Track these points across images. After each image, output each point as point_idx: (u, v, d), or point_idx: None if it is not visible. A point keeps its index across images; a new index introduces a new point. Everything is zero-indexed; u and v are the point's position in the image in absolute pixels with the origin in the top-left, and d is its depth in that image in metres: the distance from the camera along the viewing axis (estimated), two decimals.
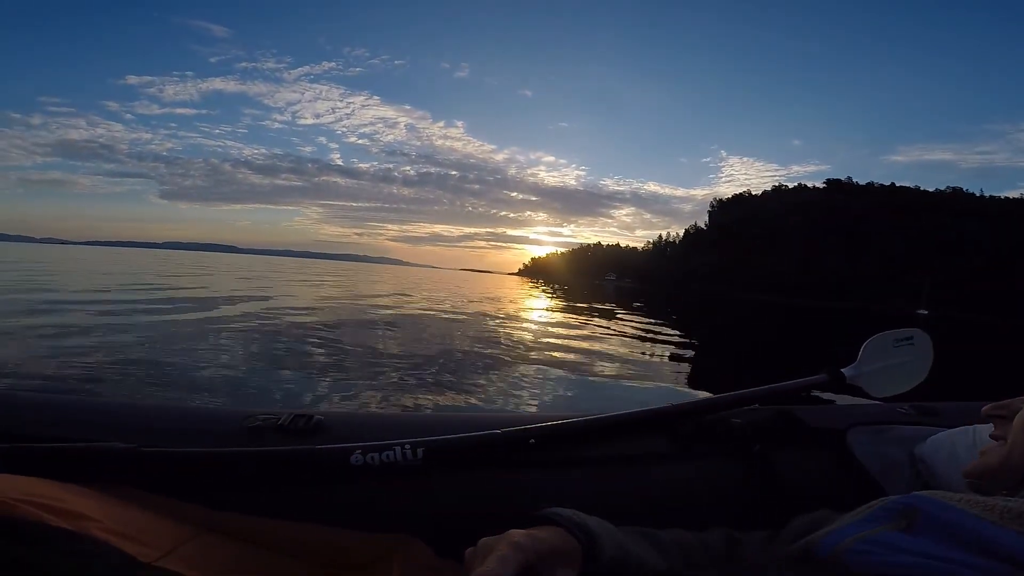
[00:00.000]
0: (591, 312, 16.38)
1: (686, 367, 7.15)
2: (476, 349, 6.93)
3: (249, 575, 0.60)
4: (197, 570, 0.53)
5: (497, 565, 0.41)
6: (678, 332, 11.98)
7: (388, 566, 0.66)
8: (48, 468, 0.63)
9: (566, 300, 23.99)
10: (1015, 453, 0.53)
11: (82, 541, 0.47)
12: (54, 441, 0.70)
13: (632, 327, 12.07)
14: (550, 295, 29.54)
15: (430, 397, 4.25)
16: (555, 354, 7.00)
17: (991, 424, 0.63)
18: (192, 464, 0.71)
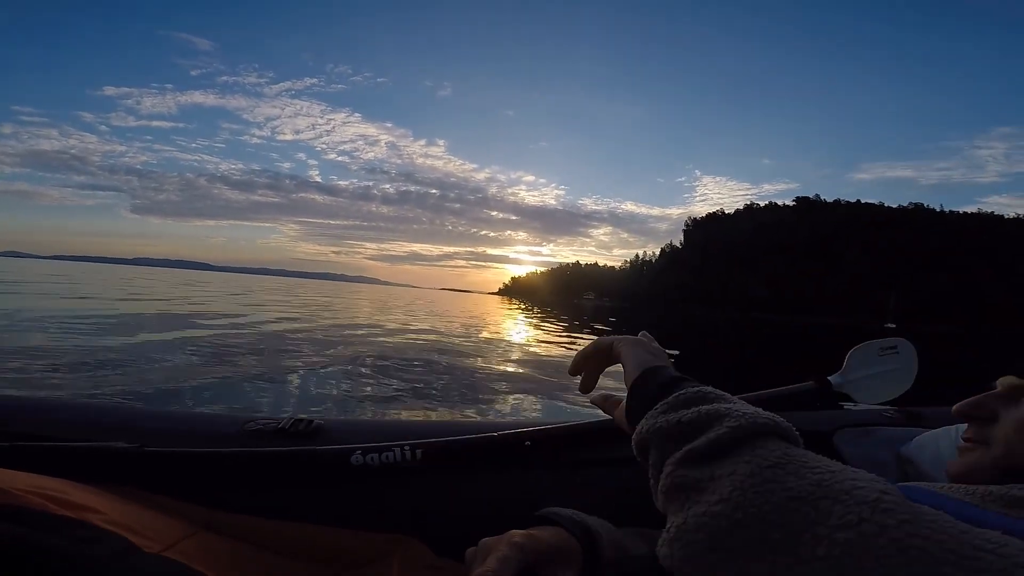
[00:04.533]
0: (573, 330, 16.47)
1: None
2: (470, 362, 6.98)
3: (249, 573, 0.60)
4: (198, 565, 0.53)
5: (498, 565, 0.41)
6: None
7: (388, 566, 0.67)
8: (53, 466, 0.64)
9: (548, 320, 24.06)
10: (1012, 456, 0.51)
11: (84, 528, 0.48)
12: (60, 441, 0.71)
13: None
14: (532, 315, 29.58)
15: (427, 407, 4.29)
16: (543, 364, 7.06)
17: None
18: (194, 464, 0.72)
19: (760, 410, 0.41)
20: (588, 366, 0.63)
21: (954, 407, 0.60)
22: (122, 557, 0.48)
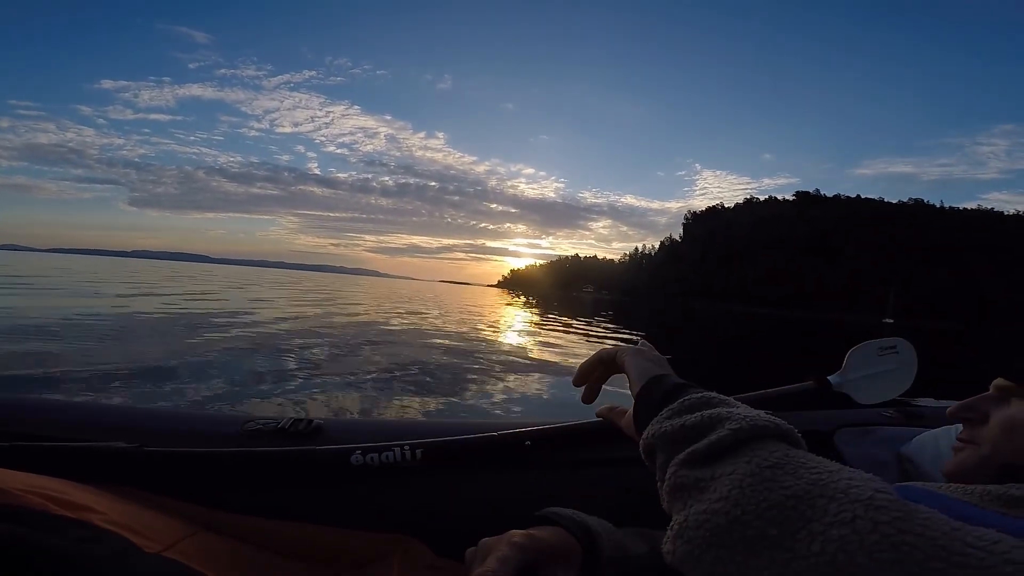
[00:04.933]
0: (572, 324, 16.50)
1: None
2: (470, 359, 6.99)
3: (250, 573, 0.60)
4: (197, 565, 0.54)
5: (498, 565, 0.42)
6: (659, 343, 12.10)
7: (388, 566, 0.67)
8: (53, 466, 0.64)
9: (547, 312, 24.08)
10: (999, 455, 0.53)
11: (84, 528, 0.48)
12: (60, 441, 0.71)
13: (613, 338, 12.15)
14: (531, 308, 29.59)
15: (428, 405, 4.30)
16: (543, 362, 7.09)
17: None
18: (194, 464, 0.72)
19: (762, 413, 0.42)
20: (592, 377, 0.65)
21: (948, 410, 0.61)
22: (122, 557, 0.48)
